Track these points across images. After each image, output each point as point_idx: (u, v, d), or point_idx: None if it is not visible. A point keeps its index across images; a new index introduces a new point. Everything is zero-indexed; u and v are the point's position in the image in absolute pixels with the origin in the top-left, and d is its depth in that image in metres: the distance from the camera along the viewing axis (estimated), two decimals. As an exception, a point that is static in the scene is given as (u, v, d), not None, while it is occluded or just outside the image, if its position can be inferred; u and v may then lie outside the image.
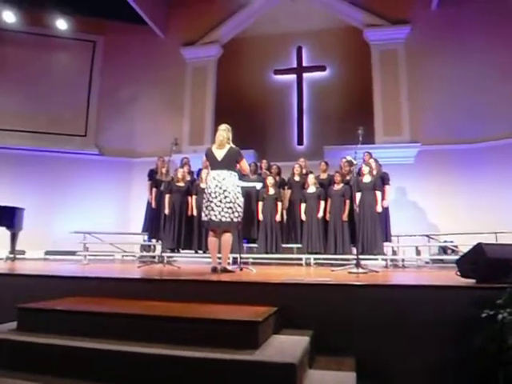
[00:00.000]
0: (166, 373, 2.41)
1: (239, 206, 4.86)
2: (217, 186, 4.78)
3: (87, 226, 8.54)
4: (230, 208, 4.76)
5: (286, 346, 2.65)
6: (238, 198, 4.85)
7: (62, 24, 10.86)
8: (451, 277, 3.73)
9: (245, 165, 5.08)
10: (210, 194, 4.81)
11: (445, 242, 7.91)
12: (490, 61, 9.35)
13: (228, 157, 4.88)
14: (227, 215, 4.75)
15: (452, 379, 2.98)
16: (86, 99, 11.29)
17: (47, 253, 9.27)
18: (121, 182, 10.77)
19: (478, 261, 3.32)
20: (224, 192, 4.75)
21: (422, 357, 3.02)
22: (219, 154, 4.90)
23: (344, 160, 7.78)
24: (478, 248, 3.37)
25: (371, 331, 3.12)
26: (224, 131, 4.97)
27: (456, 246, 7.61)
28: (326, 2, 10.66)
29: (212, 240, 4.93)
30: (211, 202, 4.78)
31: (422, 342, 3.05)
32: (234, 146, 4.97)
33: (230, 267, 5.00)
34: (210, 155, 4.97)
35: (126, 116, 11.24)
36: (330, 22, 10.87)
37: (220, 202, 4.74)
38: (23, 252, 8.83)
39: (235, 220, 4.81)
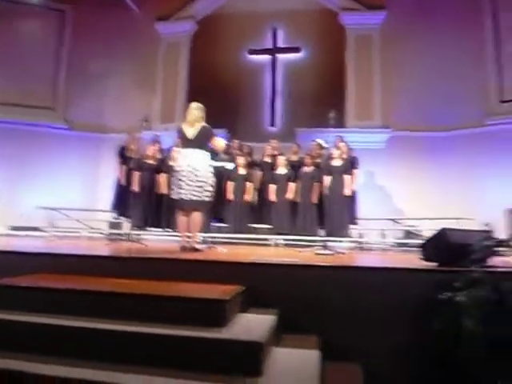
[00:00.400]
0: (132, 350, 2.42)
1: (211, 186, 4.86)
2: (188, 165, 4.75)
3: (54, 201, 8.39)
4: (201, 187, 4.75)
5: (253, 325, 2.71)
6: (209, 177, 4.84)
7: (29, -9, 10.43)
8: (414, 260, 3.85)
9: (218, 142, 5.04)
10: (180, 172, 4.78)
11: (410, 226, 8.11)
12: (463, 47, 9.51)
13: (200, 136, 4.85)
14: (198, 194, 4.74)
15: (414, 360, 3.09)
16: (54, 71, 10.91)
17: (12, 228, 9.04)
18: (90, 158, 10.55)
19: (440, 245, 3.44)
20: (195, 171, 4.73)
21: (385, 338, 3.12)
22: (190, 132, 4.86)
23: (315, 143, 7.83)
24: (442, 233, 3.49)
25: (336, 312, 3.20)
26: (196, 110, 4.93)
27: (420, 231, 7.82)
28: (303, -18, 10.57)
29: (182, 219, 4.92)
30: (182, 180, 4.75)
31: (385, 323, 3.15)
32: (206, 125, 4.93)
33: (199, 246, 5.02)
34: (181, 133, 4.92)
35: (97, 90, 10.94)
36: (307, 3, 10.79)
37: (191, 181, 4.72)
38: (-14, 227, 8.61)
39: (206, 199, 4.81)
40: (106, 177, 9.05)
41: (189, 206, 4.82)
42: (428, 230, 6.26)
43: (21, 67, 10.40)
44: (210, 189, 4.86)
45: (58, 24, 11.07)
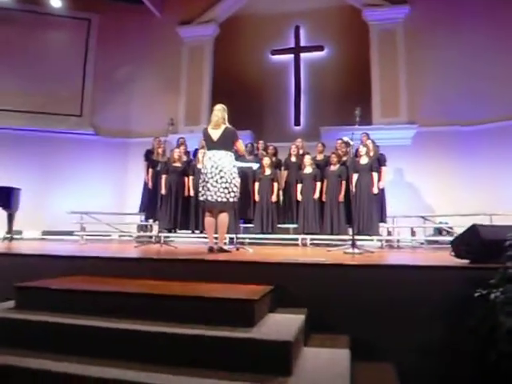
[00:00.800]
0: (164, 350, 2.44)
1: (235, 186, 4.88)
2: (213, 166, 4.78)
3: (84, 206, 8.56)
4: (226, 188, 4.77)
5: (282, 324, 2.69)
6: (234, 178, 4.86)
7: (56, 2, 10.67)
8: (445, 257, 3.77)
9: (240, 145, 5.09)
10: (206, 174, 4.81)
11: (440, 223, 7.96)
12: (488, 43, 9.28)
13: (224, 137, 4.87)
14: (223, 195, 4.76)
15: (446, 358, 3.03)
16: (81, 79, 11.17)
17: (44, 233, 9.29)
18: (117, 163, 10.74)
19: (472, 242, 3.35)
20: (220, 172, 4.76)
21: (416, 336, 3.06)
22: (215, 134, 4.89)
23: (340, 141, 7.77)
24: (473, 229, 3.40)
25: (365, 310, 3.16)
26: (219, 111, 4.95)
27: (451, 228, 7.66)
28: (325, -20, 10.51)
29: (208, 220, 4.95)
30: (207, 182, 4.79)
31: (415, 321, 3.09)
32: (229, 126, 4.96)
33: (226, 247, 5.04)
34: (206, 135, 4.96)
35: (122, 96, 11.14)
36: (328, 1, 10.74)
37: (216, 182, 4.75)
38: (20, 232, 8.85)
39: (231, 200, 4.83)
40: (134, 180, 9.21)
41: (215, 207, 4.85)
42: (459, 226, 6.14)
43: (49, 76, 10.68)
44: (235, 189, 4.88)
45: (84, 32, 11.33)
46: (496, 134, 8.95)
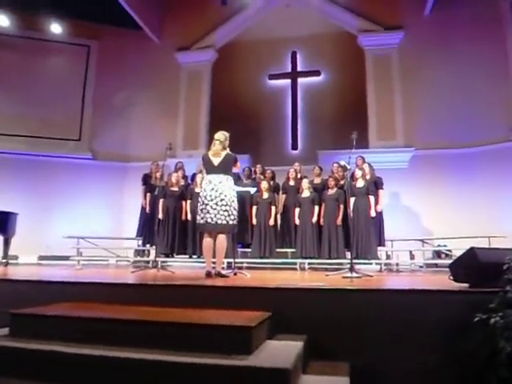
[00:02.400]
0: (160, 378, 2.40)
1: (235, 209, 4.88)
2: (213, 189, 4.79)
3: (81, 230, 8.51)
4: (226, 211, 4.77)
5: (280, 352, 2.65)
6: (233, 201, 4.88)
7: (56, 28, 10.86)
8: (445, 281, 3.74)
9: (239, 165, 5.19)
10: (205, 197, 4.82)
11: (438, 246, 7.94)
12: (484, 63, 9.43)
13: (224, 162, 4.92)
14: (223, 218, 4.76)
15: (446, 383, 2.99)
16: (80, 103, 11.26)
17: (40, 258, 9.20)
18: (115, 187, 10.73)
19: (470, 265, 3.33)
20: (220, 195, 4.77)
21: (416, 361, 3.02)
22: (216, 160, 4.93)
23: (336, 165, 7.82)
24: (471, 252, 3.38)
25: (365, 336, 3.12)
26: (221, 142, 4.97)
27: (450, 250, 7.64)
28: (320, 7, 10.71)
29: (207, 241, 4.92)
30: (207, 204, 4.78)
31: (416, 346, 3.06)
32: (230, 153, 5.00)
33: (224, 272, 5.00)
34: (206, 160, 4.98)
35: (121, 120, 11.21)
36: (324, 27, 10.92)
37: (216, 204, 4.76)
38: (16, 257, 8.77)
39: (231, 223, 4.82)
40: (132, 205, 9.18)
41: (214, 229, 4.83)
42: (458, 249, 6.12)
43: (47, 100, 10.76)
44: (235, 213, 4.89)
45: (84, 58, 11.47)
46: (492, 156, 9.00)
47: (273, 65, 11.73)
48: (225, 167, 4.92)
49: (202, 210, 4.85)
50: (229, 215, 4.80)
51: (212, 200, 4.77)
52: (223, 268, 5.31)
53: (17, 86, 10.69)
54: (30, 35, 10.93)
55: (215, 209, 4.76)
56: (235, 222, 4.89)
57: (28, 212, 9.02)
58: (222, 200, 4.77)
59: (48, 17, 10.63)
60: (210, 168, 4.95)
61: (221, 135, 5.05)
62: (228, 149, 5.03)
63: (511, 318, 2.71)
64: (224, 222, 4.77)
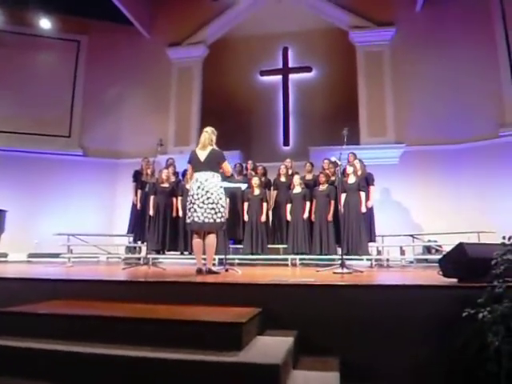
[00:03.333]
0: (150, 376, 2.40)
1: (222, 206, 4.87)
2: (199, 187, 4.78)
3: (71, 227, 8.45)
4: (213, 209, 4.76)
5: (270, 347, 2.66)
6: (221, 198, 4.86)
7: (45, 23, 10.70)
8: (434, 276, 3.77)
9: (226, 166, 5.09)
10: (192, 195, 4.81)
11: (429, 241, 7.99)
12: (475, 59, 9.46)
13: (210, 158, 4.90)
14: (210, 216, 4.74)
15: (436, 378, 3.02)
16: (70, 100, 11.16)
17: (30, 255, 9.14)
18: (105, 184, 10.67)
19: (459, 260, 3.36)
20: (207, 193, 4.76)
21: (406, 357, 3.05)
22: (202, 155, 4.92)
23: (327, 161, 7.84)
24: (460, 247, 3.41)
25: (355, 331, 3.14)
26: (207, 133, 5.00)
27: (440, 246, 7.68)
28: (312, 3, 10.70)
29: (196, 242, 4.91)
30: (194, 203, 4.78)
31: (405, 341, 3.08)
32: (216, 148, 5.00)
33: (215, 268, 5.00)
34: (193, 157, 4.98)
35: (111, 116, 11.15)
36: (316, 23, 10.90)
37: (203, 203, 4.74)
38: (5, 255, 8.71)
39: (218, 221, 4.81)
40: (122, 201, 9.16)
41: (202, 228, 4.82)
42: (448, 244, 6.16)
43: (37, 97, 10.66)
44: (222, 210, 4.87)
45: (74, 53, 11.36)
46: (483, 152, 9.04)
47: (264, 61, 11.70)
48: (211, 164, 4.90)
49: (189, 209, 4.84)
50: (215, 213, 4.78)
51: (198, 199, 4.76)
52: (214, 265, 5.30)
53: (5, 81, 10.56)
54: (18, 31, 10.78)
55: (202, 207, 4.75)
56: (223, 219, 4.88)
57: (18, 209, 8.94)
58: (208, 198, 4.76)
59: (37, 12, 10.46)
60: (196, 164, 4.93)
61: (208, 128, 5.09)
62: (215, 146, 5.02)
63: (499, 313, 2.73)
64: (211, 220, 4.75)
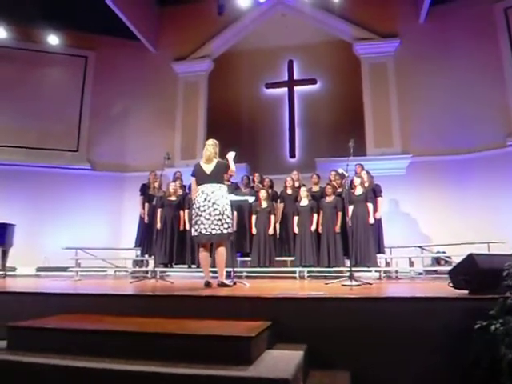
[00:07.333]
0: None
1: (228, 217, 4.85)
2: (205, 199, 4.77)
3: (79, 241, 8.48)
4: (220, 220, 4.74)
5: (280, 362, 2.63)
6: (226, 209, 4.84)
7: (53, 39, 10.87)
8: (444, 288, 3.73)
9: (232, 167, 5.07)
10: (198, 207, 4.79)
11: (438, 252, 7.93)
12: (480, 69, 9.48)
13: (216, 170, 4.92)
14: (217, 227, 4.73)
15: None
16: (77, 114, 11.26)
17: (38, 269, 9.15)
18: (113, 197, 10.70)
19: (469, 272, 3.33)
20: (213, 205, 4.74)
21: (417, 369, 3.01)
22: (207, 168, 4.93)
23: (333, 173, 7.83)
24: (470, 259, 3.37)
25: (365, 344, 3.10)
26: (211, 146, 5.03)
27: (449, 257, 7.62)
28: (316, 16, 10.76)
29: (203, 255, 4.90)
30: (200, 215, 4.76)
31: (416, 354, 3.04)
32: (221, 160, 5.02)
33: (227, 281, 4.96)
34: (198, 170, 4.99)
35: (118, 131, 11.23)
36: (320, 35, 10.97)
37: (209, 214, 4.73)
38: (14, 269, 8.73)
39: (225, 232, 4.79)
40: (130, 215, 9.17)
41: (210, 240, 4.82)
42: (457, 255, 6.11)
43: (45, 111, 10.77)
44: (229, 221, 4.85)
45: (81, 69, 11.48)
46: (490, 162, 9.00)
47: (269, 74, 11.77)
48: (217, 175, 4.92)
49: (196, 221, 4.81)
50: (222, 224, 4.76)
51: (205, 210, 4.74)
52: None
53: (14, 97, 10.68)
54: (27, 47, 10.95)
55: (208, 219, 4.73)
56: (230, 230, 4.86)
57: (26, 223, 9.00)
58: (215, 210, 4.74)
59: (45, 28, 10.62)
60: (202, 177, 4.94)
61: (211, 141, 5.11)
62: (218, 157, 5.04)
63: (511, 325, 2.70)
64: (218, 231, 4.74)
